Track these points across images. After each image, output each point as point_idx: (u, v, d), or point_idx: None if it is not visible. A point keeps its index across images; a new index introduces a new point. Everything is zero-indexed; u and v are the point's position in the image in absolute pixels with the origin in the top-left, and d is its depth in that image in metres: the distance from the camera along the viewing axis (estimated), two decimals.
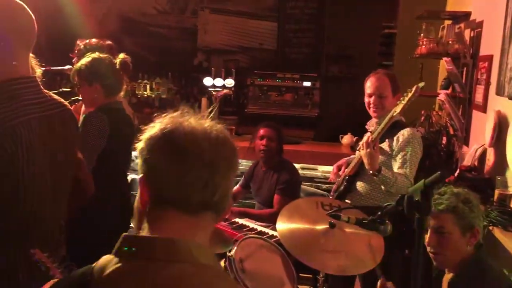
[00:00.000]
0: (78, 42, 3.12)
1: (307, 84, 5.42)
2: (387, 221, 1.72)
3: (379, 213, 1.69)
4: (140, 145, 0.99)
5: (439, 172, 1.36)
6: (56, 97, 1.60)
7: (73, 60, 3.06)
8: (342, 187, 2.99)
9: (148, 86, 6.02)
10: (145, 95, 6.01)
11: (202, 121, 1.03)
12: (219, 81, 4.44)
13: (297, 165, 3.78)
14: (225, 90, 4.46)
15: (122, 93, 2.64)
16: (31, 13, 1.49)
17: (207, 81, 4.40)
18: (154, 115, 1.03)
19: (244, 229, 3.14)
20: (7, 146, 1.33)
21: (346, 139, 4.54)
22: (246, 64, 6.10)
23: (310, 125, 5.22)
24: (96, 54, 2.54)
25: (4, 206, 1.38)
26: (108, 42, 3.18)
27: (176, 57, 6.31)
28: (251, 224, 3.25)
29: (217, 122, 1.04)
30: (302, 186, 3.73)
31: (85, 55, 2.58)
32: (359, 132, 4.65)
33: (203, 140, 0.98)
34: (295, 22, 6.02)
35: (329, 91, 5.65)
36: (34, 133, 1.42)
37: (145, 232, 0.98)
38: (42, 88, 1.54)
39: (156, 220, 0.98)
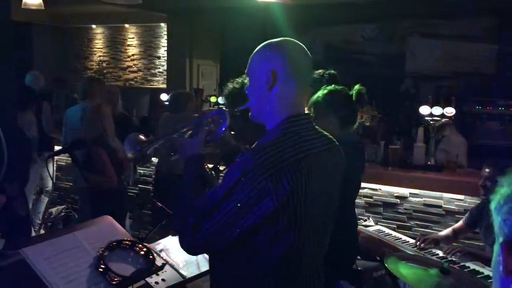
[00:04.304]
0: None
1: None
2: None
3: None
4: (495, 200, 0.83)
5: None
6: (325, 132, 1.62)
7: None
8: None
9: None
10: None
11: None
12: (436, 110, 4.18)
13: None
14: (444, 119, 4.18)
15: (355, 125, 2.61)
16: (310, 54, 1.54)
17: (424, 109, 4.18)
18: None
19: (478, 276, 2.82)
20: (289, 180, 1.36)
21: None
22: (461, 90, 5.67)
23: None
24: (332, 87, 2.55)
25: (280, 238, 1.42)
26: (332, 71, 3.20)
27: (381, 84, 6.18)
28: (486, 271, 2.90)
29: None
30: None
31: (320, 88, 2.61)
32: None
33: None
34: None
35: None
36: (311, 169, 1.44)
37: None
38: (314, 124, 1.57)
39: None
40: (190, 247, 1.47)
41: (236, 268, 1.47)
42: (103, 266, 1.69)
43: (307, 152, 1.45)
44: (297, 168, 1.39)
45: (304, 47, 1.54)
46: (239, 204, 1.35)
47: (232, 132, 1.96)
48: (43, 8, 6.37)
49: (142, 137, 1.74)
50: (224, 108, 1.78)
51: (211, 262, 1.59)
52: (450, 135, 4.45)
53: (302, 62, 1.51)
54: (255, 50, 1.56)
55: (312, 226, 1.48)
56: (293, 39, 1.56)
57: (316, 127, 1.58)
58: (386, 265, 1.86)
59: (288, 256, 1.45)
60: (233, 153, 1.84)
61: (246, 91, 1.61)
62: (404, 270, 1.69)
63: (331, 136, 1.62)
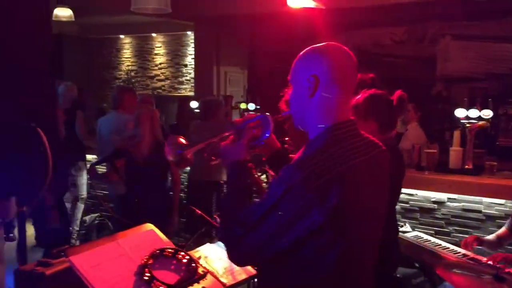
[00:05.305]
0: None
1: None
2: None
3: None
4: None
5: None
6: (371, 137, 1.57)
7: None
8: None
9: None
10: None
11: None
12: (473, 112, 4.07)
13: None
14: (480, 122, 4.06)
15: (395, 131, 2.55)
16: (355, 59, 1.49)
17: (460, 112, 4.08)
18: None
19: None
20: (335, 193, 1.32)
21: None
22: (495, 92, 5.53)
23: None
24: (373, 90, 2.50)
25: (328, 250, 1.38)
26: (370, 75, 3.15)
27: (412, 87, 6.07)
28: None
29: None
30: None
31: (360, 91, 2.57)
32: None
33: None
34: None
35: None
36: (359, 178, 1.40)
37: None
38: (359, 130, 1.52)
39: None
40: (235, 259, 1.45)
41: (284, 279, 1.44)
42: (148, 275, 1.68)
43: (353, 161, 1.39)
44: (343, 179, 1.34)
45: (349, 51, 1.49)
46: (285, 218, 1.32)
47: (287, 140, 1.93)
48: (73, 19, 6.50)
49: (182, 140, 1.72)
50: (267, 113, 1.75)
51: (258, 272, 1.56)
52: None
53: (346, 67, 1.46)
54: (298, 55, 1.53)
55: (362, 235, 1.44)
56: (337, 43, 1.51)
57: (362, 132, 1.54)
58: (437, 272, 1.80)
59: (337, 268, 1.41)
60: (279, 157, 1.81)
61: (289, 97, 1.58)
62: (457, 278, 1.64)
63: (377, 141, 1.58)
